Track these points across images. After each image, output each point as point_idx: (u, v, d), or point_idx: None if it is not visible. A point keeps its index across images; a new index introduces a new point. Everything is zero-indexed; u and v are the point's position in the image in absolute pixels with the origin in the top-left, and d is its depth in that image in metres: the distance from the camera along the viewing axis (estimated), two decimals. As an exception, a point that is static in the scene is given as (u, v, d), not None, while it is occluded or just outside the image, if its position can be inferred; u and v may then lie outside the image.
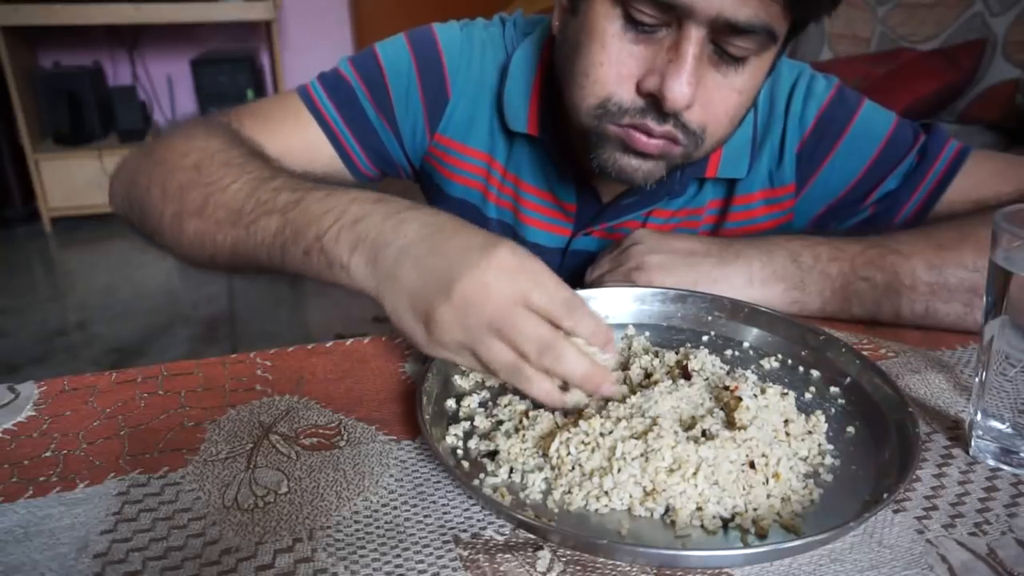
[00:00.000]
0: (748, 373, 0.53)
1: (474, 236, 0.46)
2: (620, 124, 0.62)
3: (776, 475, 0.45)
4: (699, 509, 0.43)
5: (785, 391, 0.51)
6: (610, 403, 0.49)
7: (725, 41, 0.58)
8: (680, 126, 0.61)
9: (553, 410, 0.53)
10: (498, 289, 0.44)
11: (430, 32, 0.77)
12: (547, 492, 0.45)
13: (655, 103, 0.60)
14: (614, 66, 0.60)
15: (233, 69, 3.23)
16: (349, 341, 0.63)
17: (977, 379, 0.48)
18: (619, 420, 0.47)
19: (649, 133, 0.61)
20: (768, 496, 0.44)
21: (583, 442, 0.46)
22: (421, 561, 0.40)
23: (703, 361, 0.56)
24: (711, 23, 0.56)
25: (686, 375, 0.54)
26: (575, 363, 0.44)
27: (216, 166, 0.59)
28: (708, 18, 0.55)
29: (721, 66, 0.60)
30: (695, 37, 0.57)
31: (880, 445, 0.49)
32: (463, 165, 0.80)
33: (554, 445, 0.46)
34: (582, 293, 0.64)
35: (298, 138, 0.74)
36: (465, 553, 0.40)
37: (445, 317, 0.44)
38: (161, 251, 0.65)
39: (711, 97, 0.60)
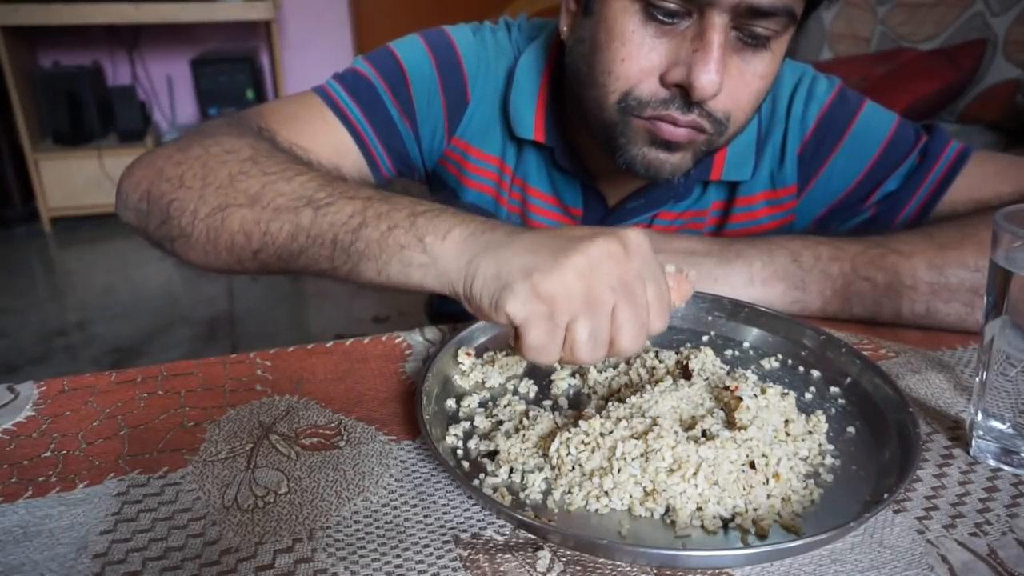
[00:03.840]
0: (748, 373, 0.53)
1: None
2: (644, 116, 0.62)
3: (776, 475, 0.45)
4: (699, 509, 0.43)
5: (785, 391, 0.51)
6: (610, 403, 0.49)
7: (749, 24, 0.58)
8: (705, 114, 0.61)
9: (553, 410, 0.53)
10: (638, 253, 0.44)
11: (446, 35, 0.77)
12: (547, 492, 0.45)
13: (681, 93, 0.60)
14: (636, 61, 0.60)
15: (233, 69, 3.23)
16: (349, 341, 0.63)
17: (978, 379, 0.48)
18: (619, 420, 0.47)
19: (675, 123, 0.62)
20: (768, 496, 0.44)
21: (583, 442, 0.46)
22: (421, 561, 0.40)
23: (703, 361, 0.56)
24: (733, 9, 0.56)
25: (686, 375, 0.54)
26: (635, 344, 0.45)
27: (275, 160, 0.58)
28: (731, 4, 0.56)
29: (743, 52, 0.60)
30: (719, 24, 0.57)
31: (880, 445, 0.49)
32: (478, 170, 0.79)
33: (554, 445, 0.46)
34: None
35: (328, 141, 0.72)
36: (465, 553, 0.40)
37: (579, 261, 0.43)
38: (181, 259, 0.61)
39: (735, 84, 0.61)
